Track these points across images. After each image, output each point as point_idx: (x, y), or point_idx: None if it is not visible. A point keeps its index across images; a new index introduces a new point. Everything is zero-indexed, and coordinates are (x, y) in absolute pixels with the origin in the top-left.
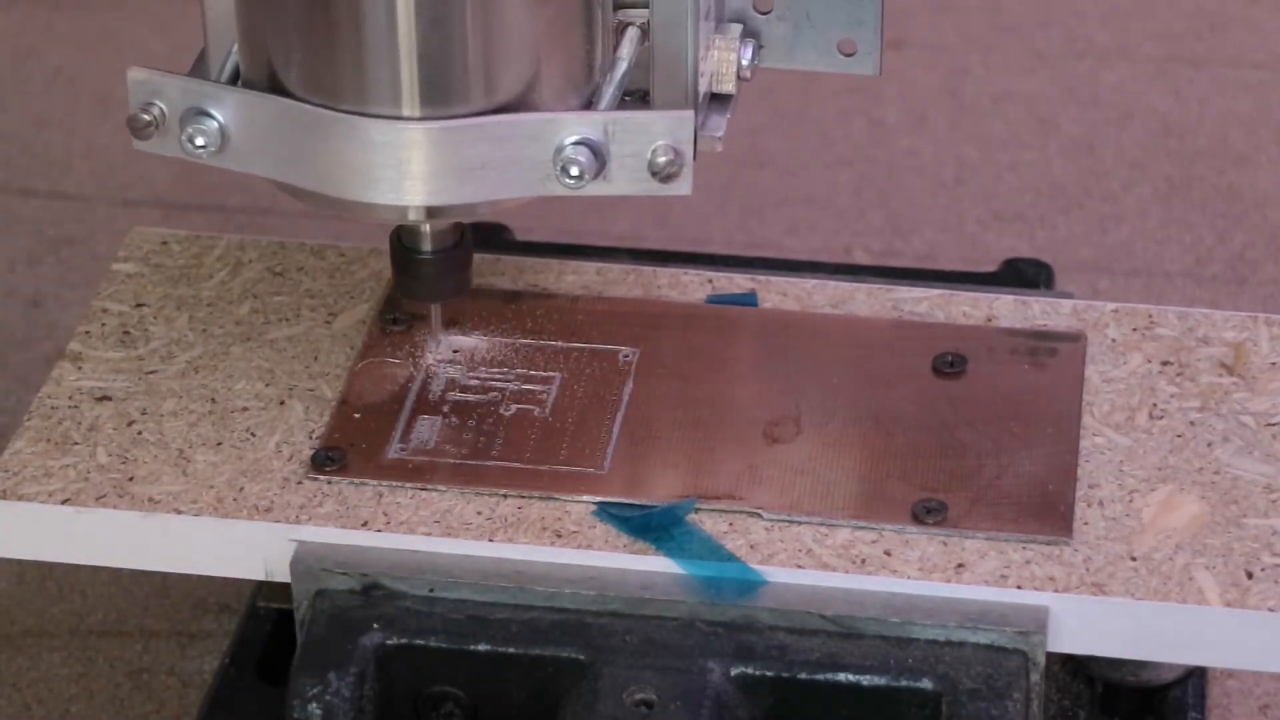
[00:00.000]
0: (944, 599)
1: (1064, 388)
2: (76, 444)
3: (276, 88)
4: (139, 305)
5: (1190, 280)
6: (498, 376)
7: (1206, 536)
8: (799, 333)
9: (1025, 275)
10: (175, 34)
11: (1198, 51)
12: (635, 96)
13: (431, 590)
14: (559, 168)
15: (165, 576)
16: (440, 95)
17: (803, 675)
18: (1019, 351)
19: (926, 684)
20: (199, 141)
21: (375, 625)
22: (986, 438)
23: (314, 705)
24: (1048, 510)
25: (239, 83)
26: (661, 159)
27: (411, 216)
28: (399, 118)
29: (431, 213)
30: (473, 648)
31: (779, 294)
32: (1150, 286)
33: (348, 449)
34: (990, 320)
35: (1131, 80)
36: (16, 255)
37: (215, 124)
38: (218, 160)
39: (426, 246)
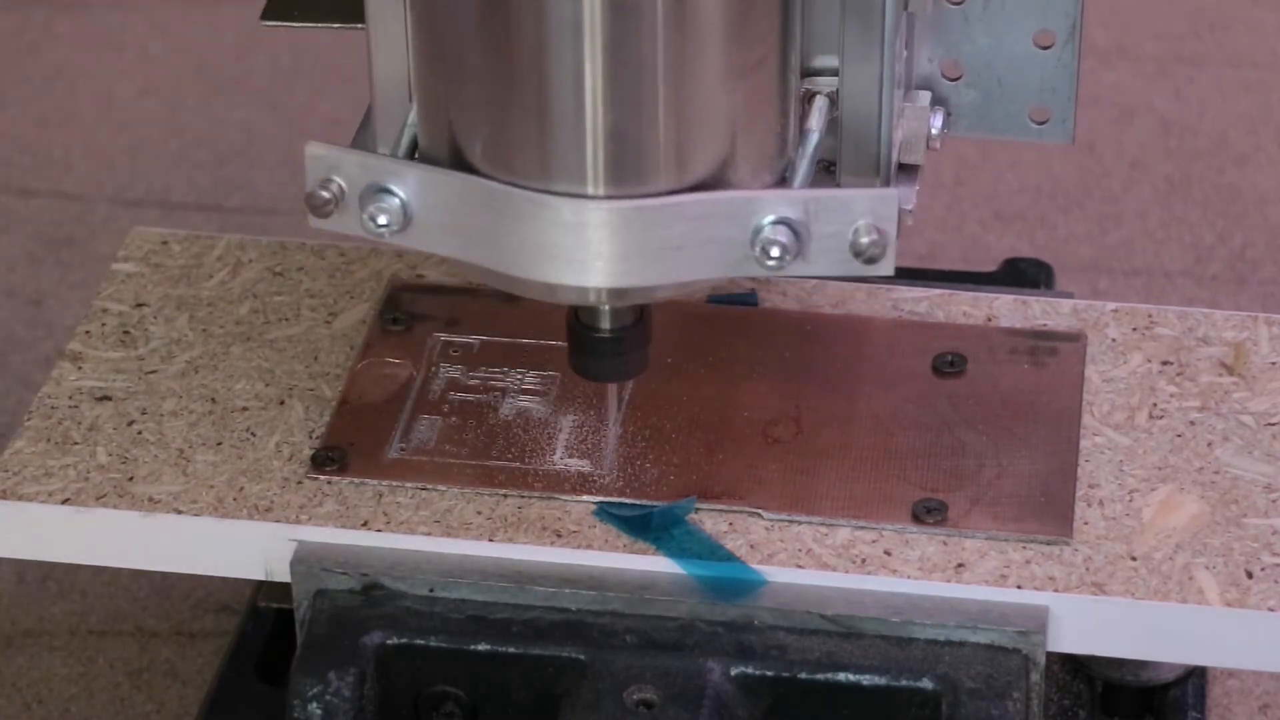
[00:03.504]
0: (944, 599)
1: (1064, 388)
2: (76, 444)
3: (458, 162)
4: (139, 305)
5: (1190, 280)
6: (498, 376)
7: (1206, 536)
8: (799, 333)
9: (1025, 275)
10: (175, 34)
11: (1198, 51)
12: (820, 166)
13: (431, 590)
14: (758, 249)
15: (165, 576)
16: (631, 174)
17: (803, 675)
18: (1019, 351)
19: (926, 684)
20: (381, 220)
21: (375, 625)
22: (986, 438)
23: (314, 705)
24: (1048, 510)
25: (417, 155)
26: (865, 239)
27: (593, 298)
28: (587, 196)
29: (616, 294)
30: (473, 648)
31: (779, 294)
32: (1150, 286)
33: (348, 449)
34: (990, 320)
35: (1131, 80)
36: (16, 255)
37: (397, 201)
38: (400, 239)
39: (606, 326)
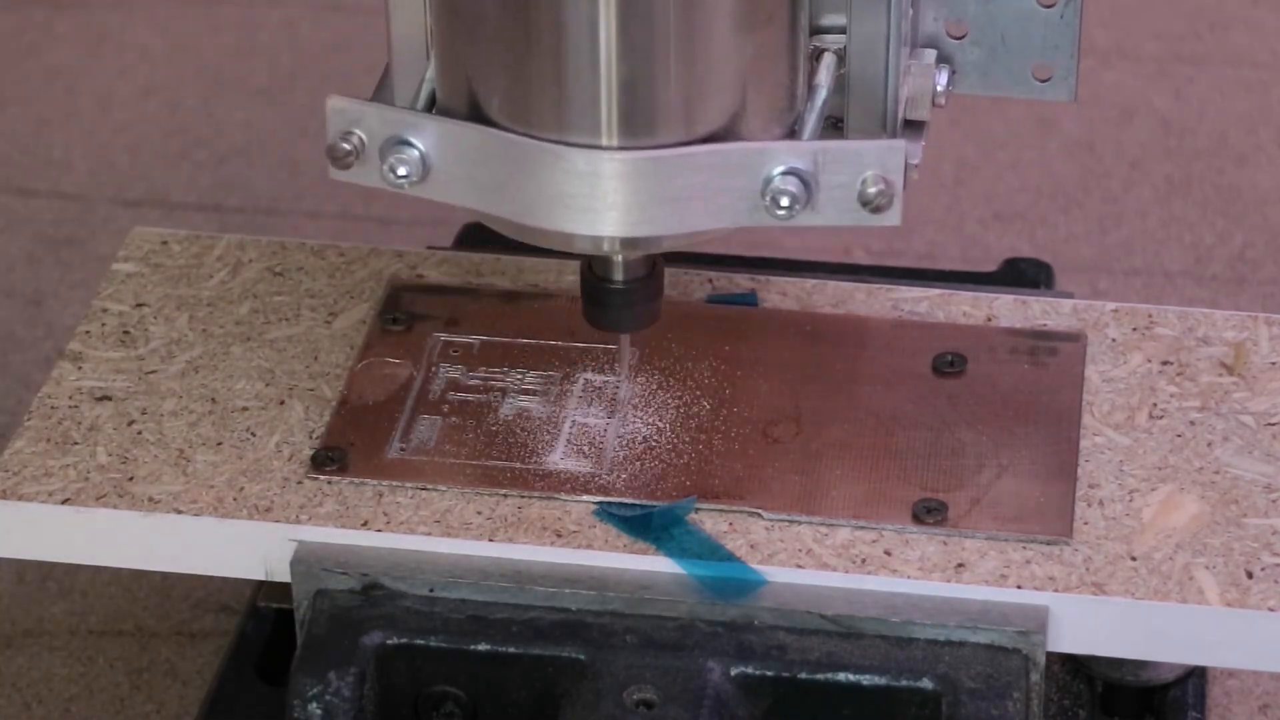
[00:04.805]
0: (944, 599)
1: (1064, 388)
2: (76, 444)
3: (475, 115)
4: (139, 305)
5: (1190, 280)
6: (498, 376)
7: (1206, 536)
8: (799, 333)
9: (1025, 275)
10: (175, 34)
11: (1198, 51)
12: (828, 124)
13: (431, 590)
14: (768, 198)
15: (165, 576)
16: (644, 125)
17: (803, 675)
18: (1019, 351)
19: (926, 684)
20: (401, 171)
21: (375, 625)
22: (986, 438)
23: (314, 705)
24: (1048, 510)
25: (435, 109)
26: (872, 189)
27: (607, 247)
28: (601, 147)
29: (629, 244)
30: (473, 648)
31: (779, 294)
32: (1150, 286)
33: (348, 449)
34: (990, 320)
35: (1131, 80)
36: (16, 255)
37: (417, 153)
38: (419, 190)
39: (619, 276)
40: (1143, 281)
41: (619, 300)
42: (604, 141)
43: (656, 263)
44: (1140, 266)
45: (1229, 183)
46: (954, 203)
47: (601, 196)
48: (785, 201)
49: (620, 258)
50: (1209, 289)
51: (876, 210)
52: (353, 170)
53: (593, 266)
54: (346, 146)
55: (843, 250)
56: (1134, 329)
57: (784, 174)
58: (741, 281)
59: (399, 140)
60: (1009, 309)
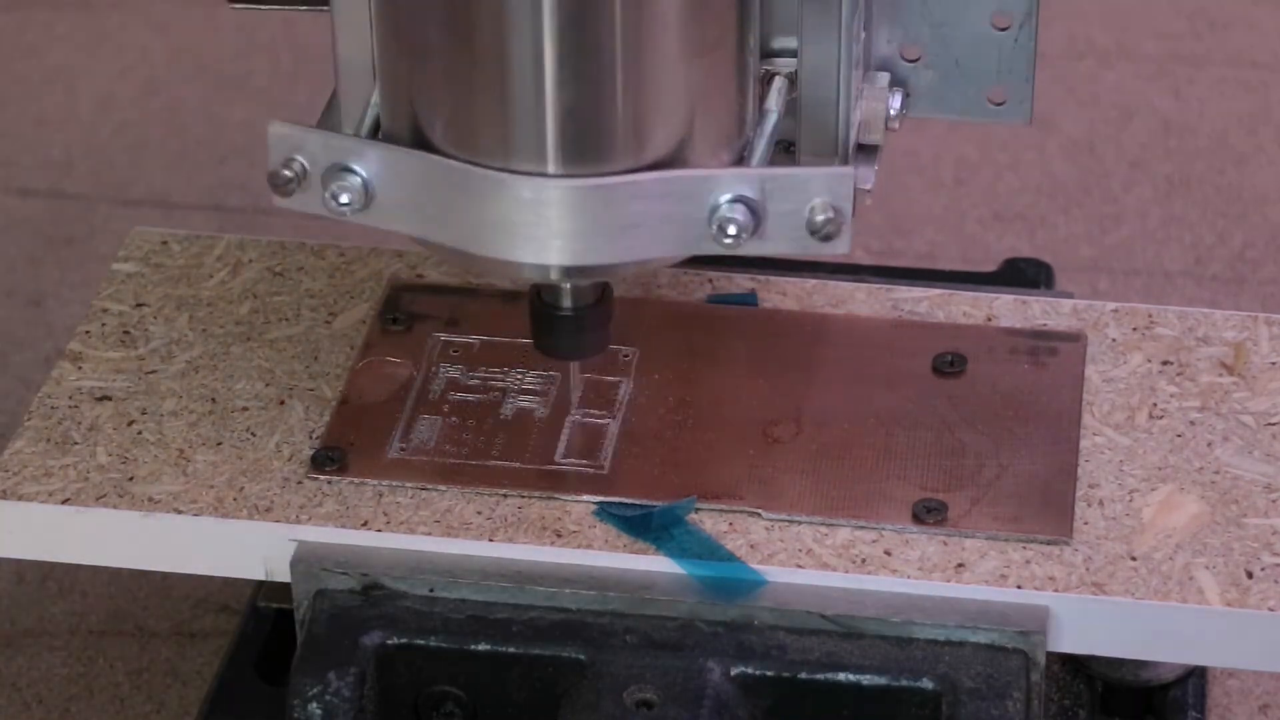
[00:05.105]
0: (944, 599)
1: (1064, 387)
2: (76, 444)
3: (419, 141)
4: (139, 305)
5: (1190, 280)
6: (498, 376)
7: (1206, 536)
8: (799, 333)
9: (1025, 275)
10: (175, 34)
11: (1198, 51)
12: (780, 147)
13: (431, 590)
14: (715, 226)
15: (165, 576)
16: (589, 152)
17: (803, 675)
18: (1019, 351)
19: (926, 684)
20: (344, 199)
21: (375, 625)
22: (986, 438)
23: (314, 705)
24: (1048, 510)
25: (379, 135)
26: (820, 217)
27: (554, 276)
28: (546, 175)
29: (576, 272)
30: (473, 648)
31: (779, 294)
32: (1150, 286)
33: (348, 449)
34: (990, 320)
35: (1131, 80)
36: (16, 255)
37: (359, 180)
38: (362, 218)
39: (566, 304)
40: (1143, 281)
41: (568, 328)
42: (549, 169)
43: (606, 289)
44: (1140, 266)
45: (1229, 183)
46: (954, 203)
47: (546, 225)
48: (732, 230)
49: (568, 285)
50: (1209, 289)
51: (826, 239)
52: (295, 197)
53: (541, 293)
54: (288, 174)
55: None
56: (1134, 329)
57: (731, 201)
58: (741, 281)
59: (341, 167)
60: (1009, 309)
